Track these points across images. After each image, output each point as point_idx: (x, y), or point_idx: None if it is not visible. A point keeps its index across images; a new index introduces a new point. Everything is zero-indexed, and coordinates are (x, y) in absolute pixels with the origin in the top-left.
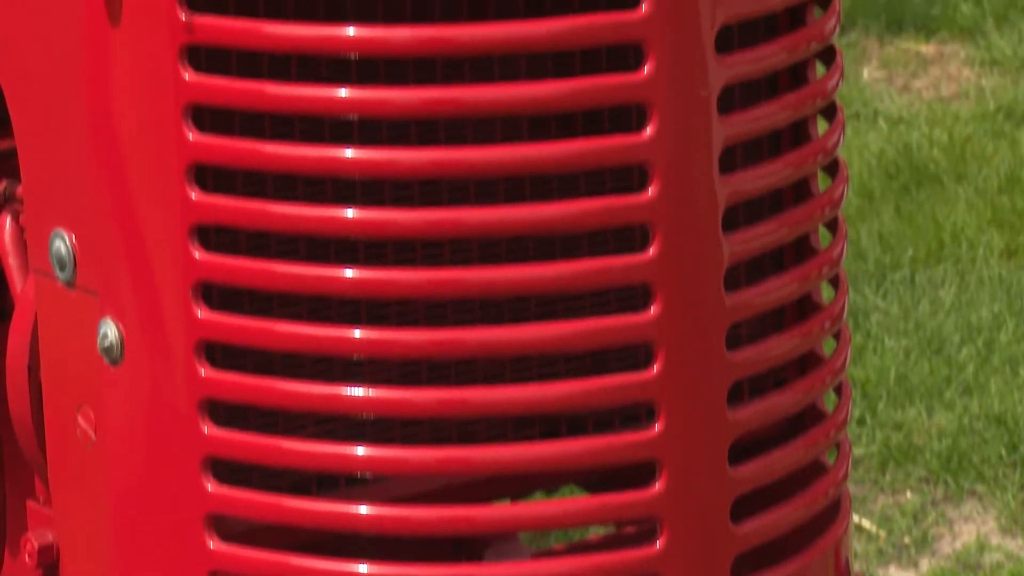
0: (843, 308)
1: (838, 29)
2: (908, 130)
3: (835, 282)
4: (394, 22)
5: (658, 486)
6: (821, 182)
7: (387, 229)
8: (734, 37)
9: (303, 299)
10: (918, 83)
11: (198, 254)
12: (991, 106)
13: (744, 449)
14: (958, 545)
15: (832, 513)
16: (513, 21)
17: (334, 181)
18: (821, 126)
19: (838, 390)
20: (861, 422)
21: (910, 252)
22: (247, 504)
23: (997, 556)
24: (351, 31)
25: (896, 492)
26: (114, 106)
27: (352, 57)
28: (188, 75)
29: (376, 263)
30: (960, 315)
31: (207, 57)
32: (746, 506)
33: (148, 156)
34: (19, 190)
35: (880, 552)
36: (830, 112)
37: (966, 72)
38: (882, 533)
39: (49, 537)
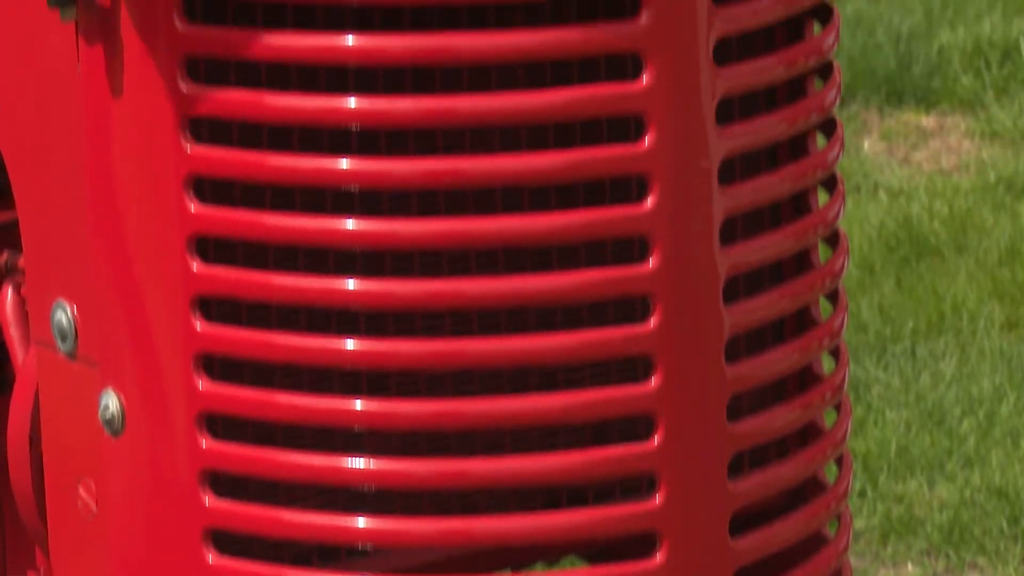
0: (844, 379)
1: (839, 101)
2: (909, 202)
3: (836, 353)
4: (395, 91)
5: (659, 557)
6: (822, 253)
7: (387, 301)
8: (735, 108)
9: (304, 368)
10: (919, 155)
11: (199, 325)
12: (992, 178)
13: (744, 520)
14: None
15: None
16: (514, 92)
17: (335, 251)
18: (822, 198)
19: (839, 462)
20: (862, 494)
21: (911, 324)
22: None
23: None
24: (352, 102)
25: (897, 565)
26: (115, 177)
27: (353, 128)
28: (189, 147)
29: (377, 332)
30: (961, 387)
31: (208, 127)
32: None
33: (149, 227)
34: (20, 261)
35: None
36: (831, 184)
37: (966, 144)
38: None
39: None
